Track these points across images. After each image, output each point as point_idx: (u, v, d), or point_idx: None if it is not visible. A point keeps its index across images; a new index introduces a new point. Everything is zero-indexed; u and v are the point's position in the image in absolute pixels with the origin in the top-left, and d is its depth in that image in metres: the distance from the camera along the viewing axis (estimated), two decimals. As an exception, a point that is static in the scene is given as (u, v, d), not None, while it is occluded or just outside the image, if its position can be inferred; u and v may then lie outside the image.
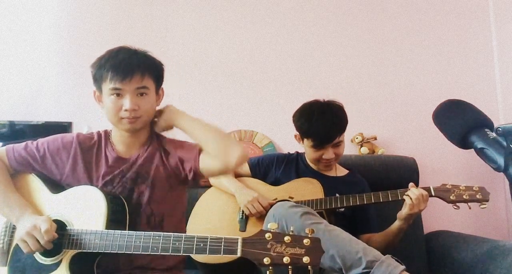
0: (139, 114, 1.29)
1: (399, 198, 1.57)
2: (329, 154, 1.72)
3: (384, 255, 1.26)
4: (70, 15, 2.43)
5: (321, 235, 1.27)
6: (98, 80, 1.31)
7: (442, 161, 2.33)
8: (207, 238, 1.07)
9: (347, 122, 1.74)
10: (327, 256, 1.25)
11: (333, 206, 1.62)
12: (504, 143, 0.78)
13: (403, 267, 1.22)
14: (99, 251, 1.15)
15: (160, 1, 2.45)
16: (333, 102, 1.75)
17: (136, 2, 2.45)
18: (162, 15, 2.44)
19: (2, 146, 1.41)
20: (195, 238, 1.08)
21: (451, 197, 1.54)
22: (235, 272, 1.54)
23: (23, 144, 1.36)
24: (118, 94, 1.28)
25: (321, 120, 1.67)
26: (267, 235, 1.01)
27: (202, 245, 1.06)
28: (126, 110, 1.27)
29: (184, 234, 1.10)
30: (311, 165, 1.85)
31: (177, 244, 1.09)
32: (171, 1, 2.45)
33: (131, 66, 1.27)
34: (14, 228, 1.29)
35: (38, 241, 1.16)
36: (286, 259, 0.98)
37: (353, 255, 1.24)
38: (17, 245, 1.26)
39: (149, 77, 1.31)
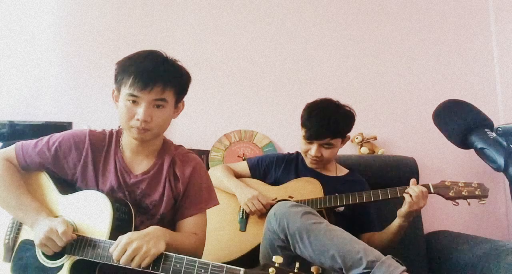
0: (150, 127, 1.24)
1: (398, 196, 1.57)
2: (314, 150, 1.73)
3: (385, 255, 1.26)
4: (70, 15, 2.42)
5: (322, 235, 1.28)
6: (118, 81, 1.26)
7: (442, 160, 2.33)
8: (209, 265, 1.04)
9: (344, 130, 1.75)
10: (327, 256, 1.25)
11: (332, 205, 1.62)
12: (504, 143, 0.79)
13: (403, 268, 1.21)
14: (100, 262, 1.13)
15: (160, 1, 2.45)
16: (343, 107, 1.76)
17: (136, 2, 2.45)
18: (162, 15, 2.44)
19: (2, 146, 1.39)
20: (197, 263, 1.05)
21: (450, 194, 1.54)
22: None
23: (33, 143, 1.32)
24: (134, 101, 1.23)
25: (318, 116, 1.70)
26: (270, 269, 0.98)
27: (203, 271, 1.04)
28: (137, 119, 1.22)
29: (186, 257, 1.07)
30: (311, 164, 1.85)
31: (177, 266, 1.06)
32: (171, 1, 2.45)
33: (154, 77, 1.21)
34: (20, 225, 1.28)
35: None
36: None
37: (354, 255, 1.24)
38: (22, 242, 1.25)
39: (170, 90, 1.26)
